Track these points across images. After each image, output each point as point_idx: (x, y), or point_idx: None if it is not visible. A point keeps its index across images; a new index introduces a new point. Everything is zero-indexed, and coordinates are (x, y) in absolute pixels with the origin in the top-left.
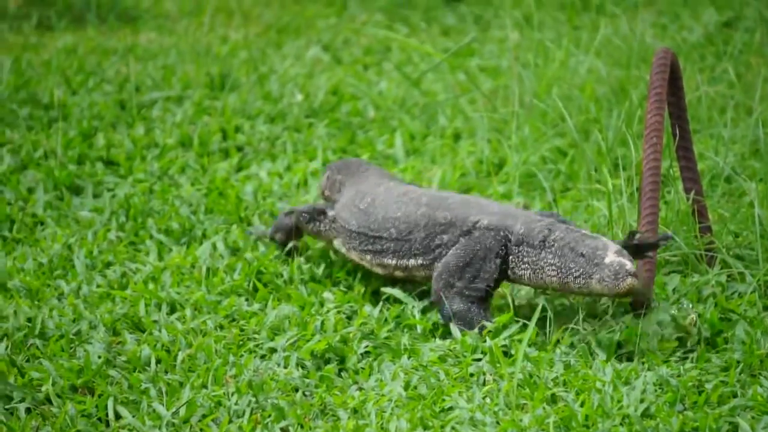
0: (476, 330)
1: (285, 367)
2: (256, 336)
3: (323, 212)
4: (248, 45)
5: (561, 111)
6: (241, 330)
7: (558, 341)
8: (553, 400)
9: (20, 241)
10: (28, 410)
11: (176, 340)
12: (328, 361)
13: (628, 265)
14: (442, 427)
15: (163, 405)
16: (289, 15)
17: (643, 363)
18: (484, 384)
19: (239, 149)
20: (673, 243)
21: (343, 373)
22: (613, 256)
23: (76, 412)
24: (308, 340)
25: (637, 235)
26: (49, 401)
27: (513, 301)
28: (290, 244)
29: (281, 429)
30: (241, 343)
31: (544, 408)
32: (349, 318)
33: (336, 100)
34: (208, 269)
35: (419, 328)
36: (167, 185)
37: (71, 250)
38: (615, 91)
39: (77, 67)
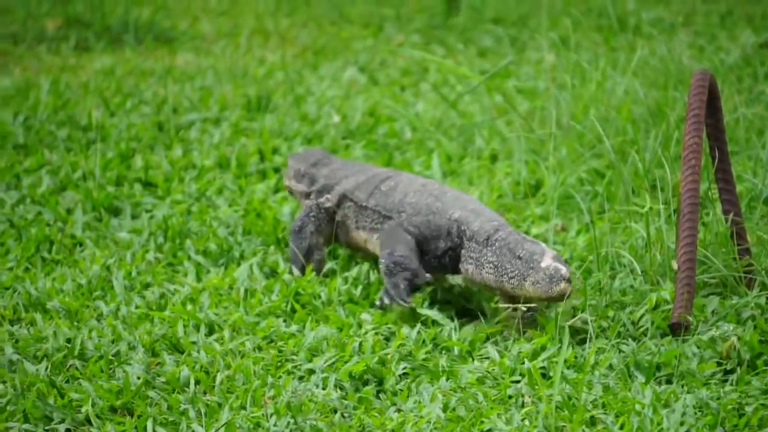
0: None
1: (323, 389)
2: (294, 357)
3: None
4: (285, 66)
5: (598, 132)
6: (280, 351)
7: (596, 363)
8: (593, 422)
9: (59, 262)
10: (68, 431)
11: (215, 361)
12: (366, 383)
13: (564, 269)
14: None
15: (202, 426)
16: (326, 36)
17: (682, 386)
18: (522, 406)
19: (276, 170)
20: (712, 265)
21: (381, 395)
22: (549, 260)
23: None
24: (346, 362)
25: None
26: (89, 422)
27: (556, 322)
28: (316, 259)
29: None
30: (279, 364)
31: (583, 430)
32: (387, 339)
33: (373, 121)
34: (246, 290)
35: (456, 350)
36: (205, 206)
37: (110, 271)
38: (652, 113)
39: (115, 89)
